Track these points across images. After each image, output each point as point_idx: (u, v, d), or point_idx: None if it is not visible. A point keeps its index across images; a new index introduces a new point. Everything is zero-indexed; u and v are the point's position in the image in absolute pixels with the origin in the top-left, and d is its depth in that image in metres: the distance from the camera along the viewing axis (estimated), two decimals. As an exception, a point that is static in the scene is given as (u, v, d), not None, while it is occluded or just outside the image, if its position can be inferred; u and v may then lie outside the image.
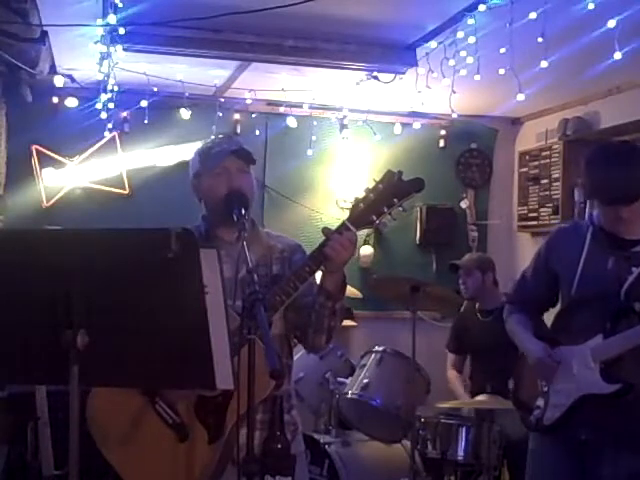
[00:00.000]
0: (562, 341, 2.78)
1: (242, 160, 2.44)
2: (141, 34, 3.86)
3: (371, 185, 2.26)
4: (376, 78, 4.51)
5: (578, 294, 2.73)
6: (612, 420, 2.64)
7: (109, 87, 4.47)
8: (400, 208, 2.25)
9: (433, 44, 3.87)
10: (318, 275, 2.36)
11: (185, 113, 4.99)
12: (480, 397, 4.43)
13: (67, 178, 5.08)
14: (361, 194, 2.27)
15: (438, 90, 4.10)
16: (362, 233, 4.58)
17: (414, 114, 5.36)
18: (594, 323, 2.68)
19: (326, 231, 2.29)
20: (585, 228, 2.79)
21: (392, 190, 2.23)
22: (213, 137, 2.58)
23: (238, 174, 2.42)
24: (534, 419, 2.79)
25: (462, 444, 4.09)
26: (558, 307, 2.92)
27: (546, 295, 2.91)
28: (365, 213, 2.25)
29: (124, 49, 3.93)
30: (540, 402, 2.78)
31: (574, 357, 2.70)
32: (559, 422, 2.72)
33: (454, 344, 4.80)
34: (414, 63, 4.16)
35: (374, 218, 2.24)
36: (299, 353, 4.38)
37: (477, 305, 4.67)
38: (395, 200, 2.22)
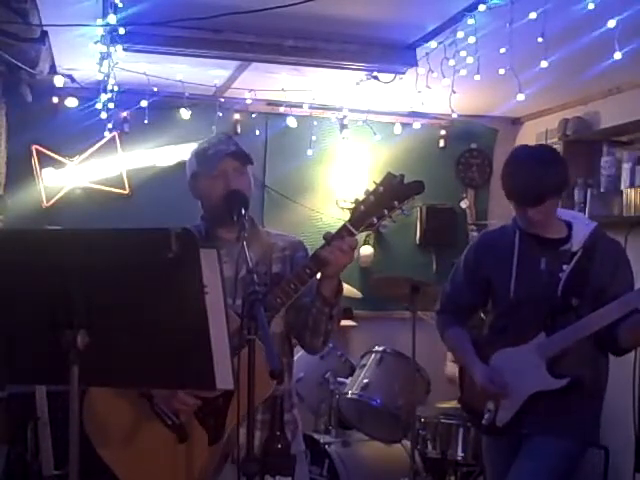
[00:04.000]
0: (503, 343, 2.84)
1: (239, 161, 2.44)
2: (141, 34, 3.85)
3: (371, 187, 2.26)
4: (376, 78, 4.51)
5: (516, 296, 2.81)
6: (554, 413, 2.74)
7: (109, 87, 4.47)
8: (400, 210, 2.24)
9: (433, 44, 3.86)
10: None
11: (185, 113, 4.98)
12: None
13: (67, 178, 5.08)
14: (361, 196, 2.27)
15: (438, 90, 4.10)
16: (362, 233, 4.58)
17: (414, 114, 5.36)
18: (535, 322, 2.77)
19: (327, 236, 2.28)
20: (511, 232, 2.90)
21: (392, 193, 2.22)
22: (209, 137, 2.57)
23: (235, 175, 2.42)
24: (487, 422, 2.84)
25: (462, 444, 4.10)
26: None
27: (479, 300, 3.01)
28: (366, 215, 2.24)
29: (124, 49, 3.93)
30: (490, 405, 2.83)
31: (520, 357, 2.78)
32: (511, 422, 2.78)
33: None
34: (414, 63, 4.16)
35: (375, 221, 2.24)
36: (299, 353, 4.37)
37: None
38: (395, 203, 2.22)
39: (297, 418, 2.53)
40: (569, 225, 2.83)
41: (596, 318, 2.64)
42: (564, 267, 2.76)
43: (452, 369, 4.79)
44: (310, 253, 2.52)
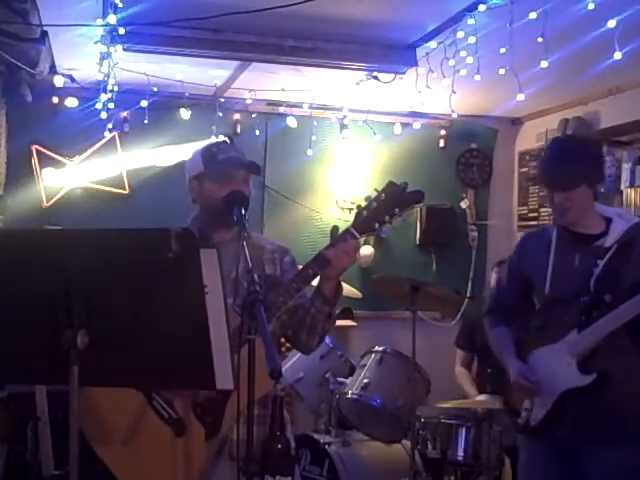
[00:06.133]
0: (542, 341, 2.82)
1: (248, 170, 2.49)
2: (141, 34, 3.86)
3: (373, 194, 2.33)
4: (376, 78, 4.51)
5: (551, 293, 2.79)
6: (596, 414, 2.68)
7: (109, 87, 4.47)
8: (400, 218, 2.32)
9: (433, 44, 3.87)
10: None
11: (185, 113, 4.99)
12: (480, 397, 4.44)
13: (67, 178, 5.08)
14: (364, 203, 2.34)
15: (438, 90, 4.10)
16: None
17: (414, 114, 5.36)
18: (569, 319, 2.74)
19: (333, 232, 2.35)
20: (550, 230, 2.88)
21: (394, 200, 2.30)
22: (214, 139, 2.60)
23: (242, 183, 2.46)
24: (522, 421, 2.83)
25: (462, 444, 4.09)
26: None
27: (523, 301, 2.97)
28: (368, 221, 2.32)
29: (124, 49, 3.93)
30: (527, 404, 2.82)
31: (553, 355, 2.76)
32: (544, 421, 2.76)
33: (463, 341, 4.82)
34: (414, 63, 4.16)
35: (376, 226, 2.32)
36: (299, 353, 4.38)
37: None
38: (396, 210, 2.30)
39: (286, 417, 2.54)
40: (609, 221, 2.79)
41: (621, 312, 2.61)
42: (598, 262, 2.72)
43: (461, 371, 4.80)
44: (311, 253, 2.54)
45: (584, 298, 2.71)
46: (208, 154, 2.51)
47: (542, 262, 2.82)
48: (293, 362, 4.38)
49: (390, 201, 2.30)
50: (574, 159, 2.74)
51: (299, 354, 4.36)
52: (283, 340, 2.67)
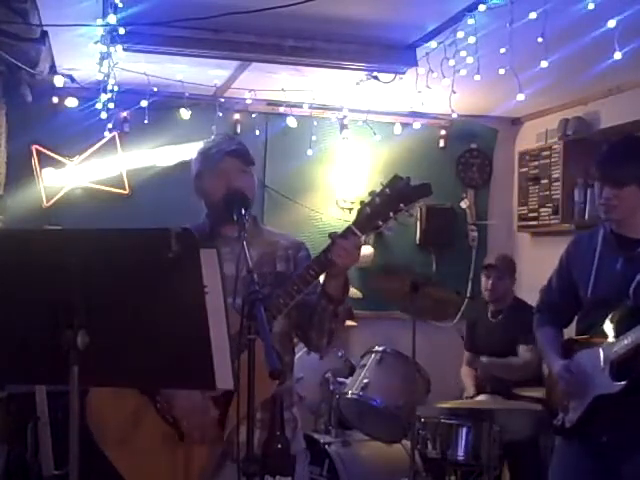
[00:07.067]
0: (582, 344, 2.79)
1: (240, 160, 2.45)
2: (141, 34, 3.86)
3: (378, 189, 2.22)
4: (376, 78, 4.51)
5: (593, 297, 2.76)
6: (631, 421, 2.65)
7: (109, 87, 4.47)
8: (406, 213, 2.21)
9: (433, 44, 3.87)
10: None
11: (185, 113, 4.99)
12: (480, 397, 4.44)
13: (67, 178, 5.08)
14: (367, 198, 2.24)
15: (438, 90, 4.10)
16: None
17: (414, 114, 5.36)
18: (607, 325, 2.71)
19: (332, 235, 2.26)
20: (599, 232, 2.83)
21: (399, 195, 2.19)
22: (214, 137, 2.60)
23: (237, 175, 2.43)
24: (558, 422, 2.81)
25: (462, 444, 4.09)
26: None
27: (570, 302, 2.92)
28: (371, 218, 2.21)
29: (124, 49, 3.93)
30: (564, 406, 2.80)
31: (590, 360, 2.73)
32: (579, 424, 2.73)
33: (469, 342, 4.84)
34: (414, 63, 4.16)
35: (380, 223, 2.21)
36: (299, 353, 4.37)
37: (490, 307, 4.70)
38: (402, 205, 2.18)
39: (297, 416, 2.53)
40: None
41: None
42: None
43: (465, 370, 4.81)
44: (311, 253, 2.52)
45: (623, 304, 2.67)
46: (204, 150, 2.51)
47: (587, 265, 2.78)
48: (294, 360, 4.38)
49: (395, 196, 2.18)
50: (632, 157, 2.69)
51: (299, 354, 4.36)
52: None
